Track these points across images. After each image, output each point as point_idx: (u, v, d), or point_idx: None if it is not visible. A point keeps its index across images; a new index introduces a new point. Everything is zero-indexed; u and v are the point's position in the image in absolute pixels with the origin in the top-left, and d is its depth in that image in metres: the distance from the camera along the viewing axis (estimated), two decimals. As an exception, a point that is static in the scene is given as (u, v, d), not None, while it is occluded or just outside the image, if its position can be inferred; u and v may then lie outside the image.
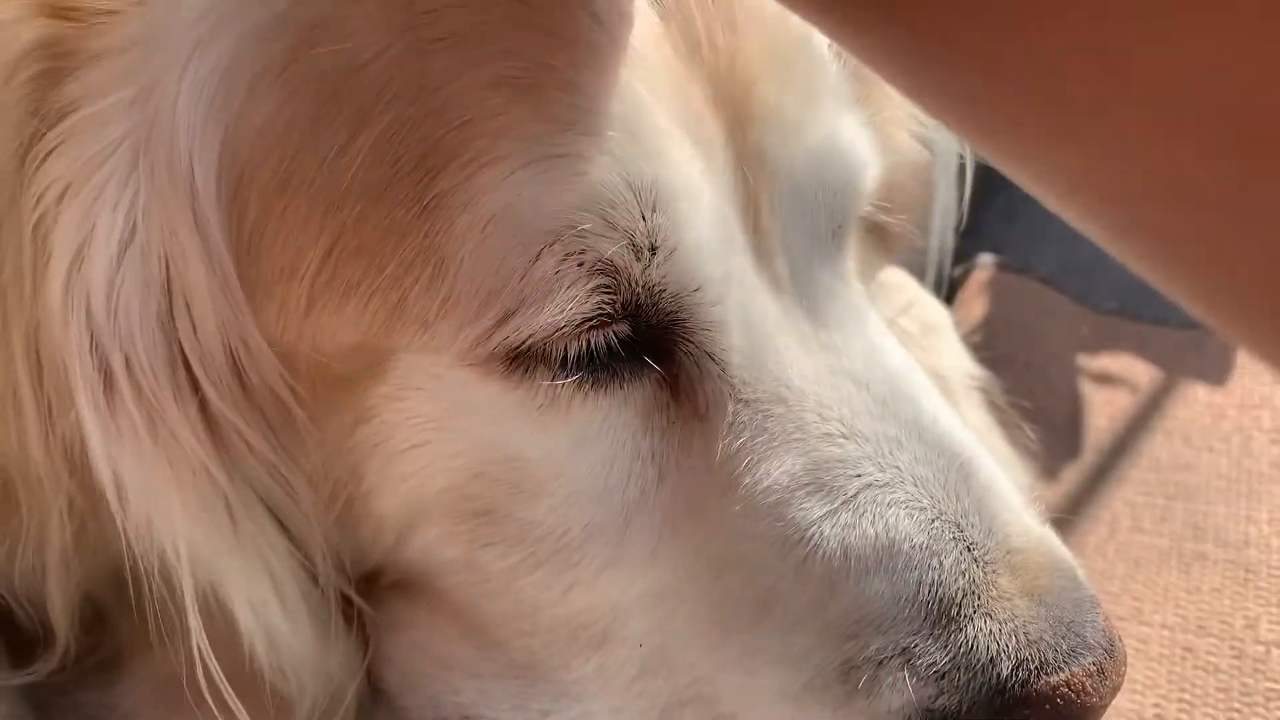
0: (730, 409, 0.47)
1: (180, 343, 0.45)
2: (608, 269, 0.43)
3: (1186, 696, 0.67)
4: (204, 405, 0.45)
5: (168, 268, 0.44)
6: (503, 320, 0.43)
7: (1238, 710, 0.66)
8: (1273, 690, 0.66)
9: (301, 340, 0.45)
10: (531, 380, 0.45)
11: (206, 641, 0.46)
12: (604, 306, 0.44)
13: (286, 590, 0.48)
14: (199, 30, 0.43)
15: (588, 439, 0.47)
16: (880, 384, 0.49)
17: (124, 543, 0.45)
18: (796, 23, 0.47)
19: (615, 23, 0.43)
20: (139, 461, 0.44)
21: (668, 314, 0.46)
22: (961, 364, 0.71)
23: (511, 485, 0.47)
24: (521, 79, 0.42)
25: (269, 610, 0.47)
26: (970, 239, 0.95)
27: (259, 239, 0.44)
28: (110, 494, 0.44)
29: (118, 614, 0.53)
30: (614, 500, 0.47)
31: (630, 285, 0.44)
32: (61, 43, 0.43)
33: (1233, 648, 0.69)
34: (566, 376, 0.45)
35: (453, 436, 0.47)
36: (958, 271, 0.99)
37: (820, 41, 0.49)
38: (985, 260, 0.99)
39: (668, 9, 0.46)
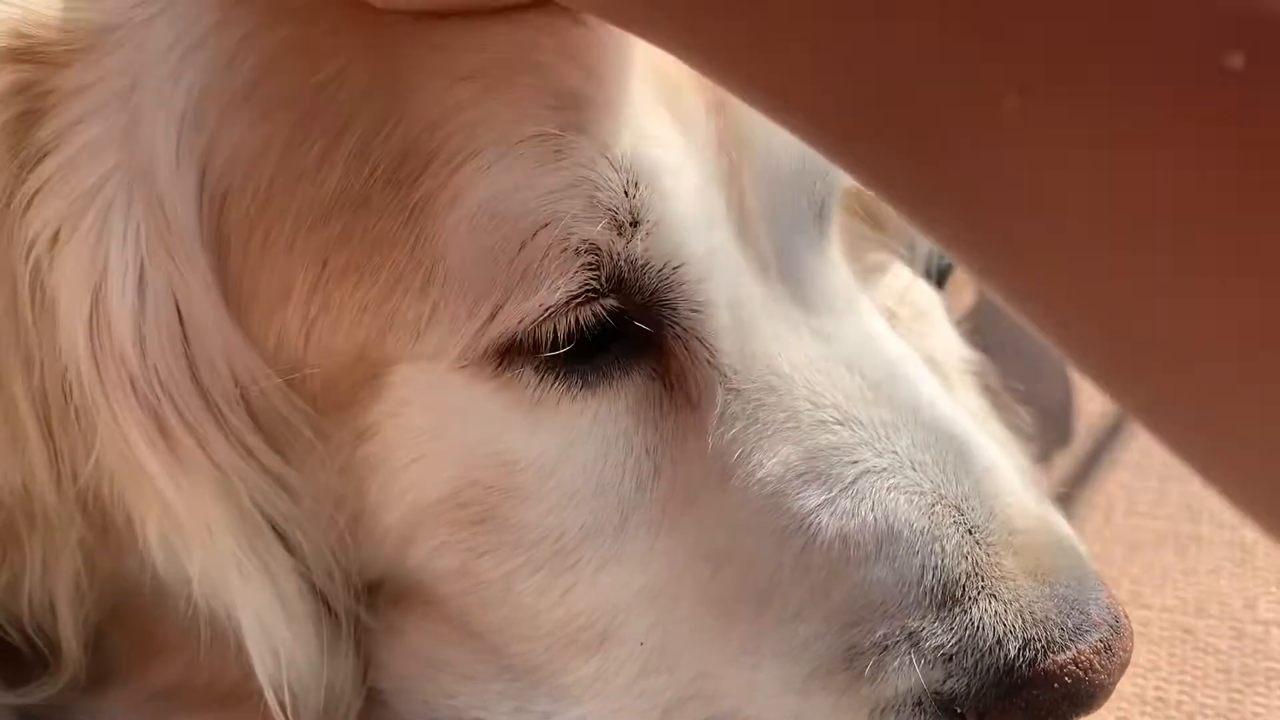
0: (721, 398, 0.46)
1: (198, 378, 0.45)
2: (592, 248, 0.43)
3: (1187, 678, 0.67)
4: (222, 432, 0.45)
5: (176, 302, 0.44)
6: (493, 315, 0.43)
7: (1238, 690, 0.65)
8: (1273, 670, 0.66)
9: (302, 362, 0.45)
10: (521, 379, 0.45)
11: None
12: (590, 282, 0.43)
13: (293, 608, 0.48)
14: (170, 63, 0.43)
15: (579, 437, 0.46)
16: (874, 369, 0.48)
17: (139, 567, 0.46)
18: None
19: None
20: (175, 495, 0.44)
21: (652, 291, 0.45)
22: (954, 347, 0.70)
23: (505, 491, 0.47)
24: (493, 70, 0.42)
25: (275, 628, 0.47)
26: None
27: (246, 267, 0.44)
28: (140, 529, 0.45)
29: (109, 628, 0.52)
30: (610, 497, 0.47)
31: (613, 259, 0.44)
32: (34, 85, 0.43)
33: (1232, 628, 0.69)
34: (555, 370, 0.45)
35: (447, 445, 0.46)
36: (946, 260, 0.98)
37: None
38: (972, 249, 0.99)
39: None
